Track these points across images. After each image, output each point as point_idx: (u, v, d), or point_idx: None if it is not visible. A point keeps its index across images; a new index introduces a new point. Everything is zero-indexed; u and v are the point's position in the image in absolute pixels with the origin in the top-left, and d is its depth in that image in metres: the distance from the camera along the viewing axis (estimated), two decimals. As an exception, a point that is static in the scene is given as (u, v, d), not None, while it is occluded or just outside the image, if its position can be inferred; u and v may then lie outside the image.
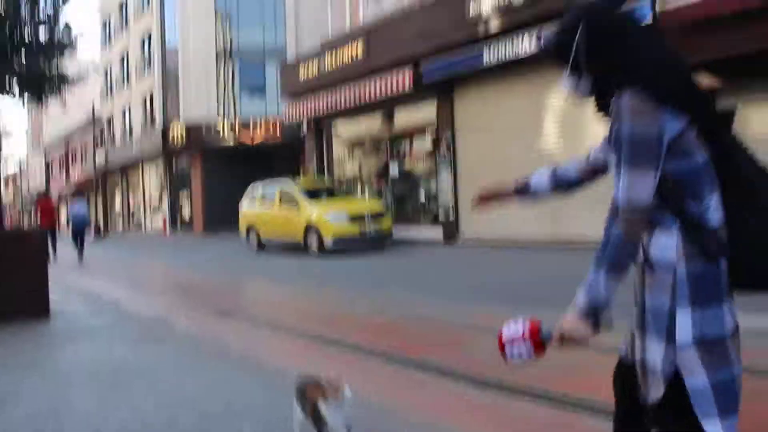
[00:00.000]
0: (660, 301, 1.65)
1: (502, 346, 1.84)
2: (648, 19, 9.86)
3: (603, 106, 1.74)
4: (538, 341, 1.79)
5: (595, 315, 1.66)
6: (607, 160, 1.87)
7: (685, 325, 1.61)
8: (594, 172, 2.04)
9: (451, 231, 14.89)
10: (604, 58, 1.69)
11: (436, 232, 15.29)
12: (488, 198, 2.25)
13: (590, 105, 1.80)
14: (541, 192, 2.11)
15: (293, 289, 9.48)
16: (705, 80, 1.69)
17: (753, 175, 1.64)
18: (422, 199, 16.64)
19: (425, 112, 16.00)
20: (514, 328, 1.82)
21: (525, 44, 11.88)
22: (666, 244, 1.63)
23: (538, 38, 11.47)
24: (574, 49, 1.70)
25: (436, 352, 4.77)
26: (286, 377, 3.48)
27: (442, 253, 13.70)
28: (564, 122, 12.48)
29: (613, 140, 1.64)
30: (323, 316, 6.96)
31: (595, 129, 11.73)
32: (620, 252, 1.60)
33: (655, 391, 1.68)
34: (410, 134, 16.85)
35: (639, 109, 1.58)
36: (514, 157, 13.35)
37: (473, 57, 13.05)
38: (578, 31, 1.70)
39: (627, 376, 1.81)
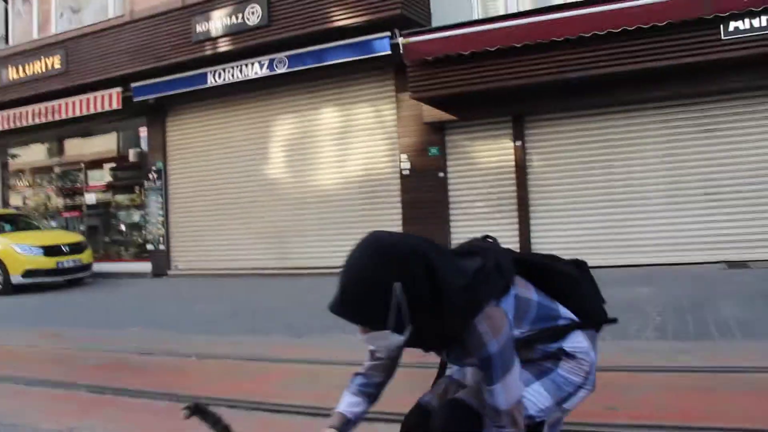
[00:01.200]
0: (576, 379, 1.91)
1: None
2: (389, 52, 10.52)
3: (430, 345, 1.84)
4: None
5: None
6: (396, 353, 1.98)
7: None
8: (395, 361, 2.03)
9: (162, 263, 14.04)
10: (427, 304, 1.67)
11: (144, 265, 14.28)
12: None
13: None
14: (361, 416, 2.00)
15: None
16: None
17: (568, 269, 2.01)
18: (129, 229, 15.39)
19: (130, 135, 14.93)
20: None
21: (254, 68, 11.80)
22: (578, 340, 1.92)
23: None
24: (391, 311, 1.64)
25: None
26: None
27: (153, 285, 12.82)
28: (291, 149, 12.66)
29: (480, 361, 1.72)
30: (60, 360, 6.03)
31: (325, 155, 12.18)
32: None
33: None
34: (113, 159, 15.48)
35: (497, 324, 1.71)
36: (233, 184, 13.19)
37: (194, 78, 12.53)
38: (393, 293, 1.63)
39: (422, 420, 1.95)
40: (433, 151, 11.13)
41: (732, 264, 9.05)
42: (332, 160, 12.19)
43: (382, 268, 1.62)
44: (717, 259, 9.25)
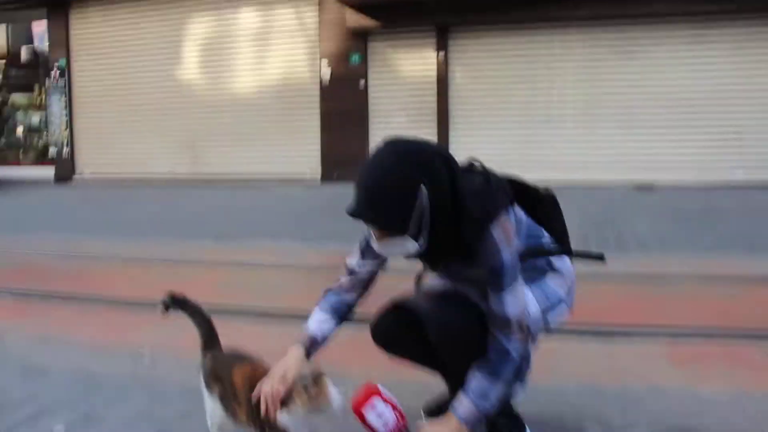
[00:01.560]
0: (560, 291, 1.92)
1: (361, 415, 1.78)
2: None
3: (436, 256, 1.78)
4: None
5: (477, 426, 1.74)
6: (377, 269, 1.92)
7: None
8: (369, 284, 1.94)
9: (66, 168, 13.24)
10: (448, 210, 1.64)
11: (46, 170, 13.42)
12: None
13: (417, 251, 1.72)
14: (331, 335, 1.89)
15: None
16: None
17: (550, 194, 2.02)
18: (28, 132, 14.34)
19: (23, 30, 13.74)
20: (385, 418, 1.78)
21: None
22: (563, 259, 1.95)
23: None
24: (415, 214, 1.60)
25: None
26: None
27: (58, 191, 12.07)
28: (206, 51, 11.97)
29: (490, 269, 1.69)
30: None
31: (243, 59, 11.58)
32: (516, 369, 1.75)
33: None
34: (3, 57, 14.23)
35: (509, 234, 1.70)
36: (144, 85, 12.42)
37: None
38: (419, 196, 1.59)
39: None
40: (355, 58, 10.77)
41: (639, 185, 9.30)
42: (249, 64, 11.64)
43: (410, 170, 1.59)
44: (626, 179, 9.49)
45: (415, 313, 1.89)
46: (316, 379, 1.66)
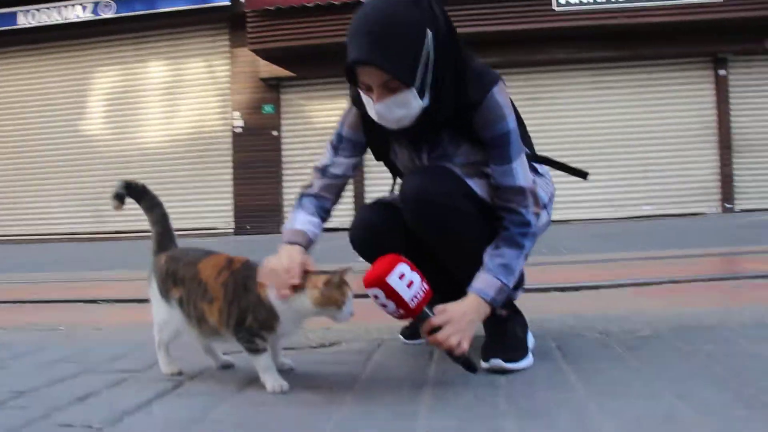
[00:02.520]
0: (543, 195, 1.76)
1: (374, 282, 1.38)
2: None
3: (431, 126, 1.57)
4: (416, 309, 1.41)
5: (500, 302, 1.54)
6: (351, 170, 1.73)
7: None
8: (342, 188, 1.75)
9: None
10: (451, 64, 1.52)
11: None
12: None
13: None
14: (317, 239, 1.65)
15: None
16: None
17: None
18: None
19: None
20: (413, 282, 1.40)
21: (75, 11, 10.68)
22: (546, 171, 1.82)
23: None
24: (421, 62, 1.45)
25: None
26: None
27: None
28: (114, 104, 11.61)
29: (495, 138, 1.55)
30: None
31: (152, 111, 11.29)
32: (534, 238, 1.61)
33: None
34: None
35: (510, 101, 1.58)
36: (47, 140, 11.89)
37: (1, 18, 11.15)
38: (425, 41, 1.45)
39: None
40: (268, 108, 10.66)
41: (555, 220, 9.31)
42: (159, 117, 11.35)
43: (415, 13, 1.44)
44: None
45: (396, 205, 1.64)
46: (343, 274, 1.40)
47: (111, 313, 2.93)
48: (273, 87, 10.66)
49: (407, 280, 1.38)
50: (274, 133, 10.64)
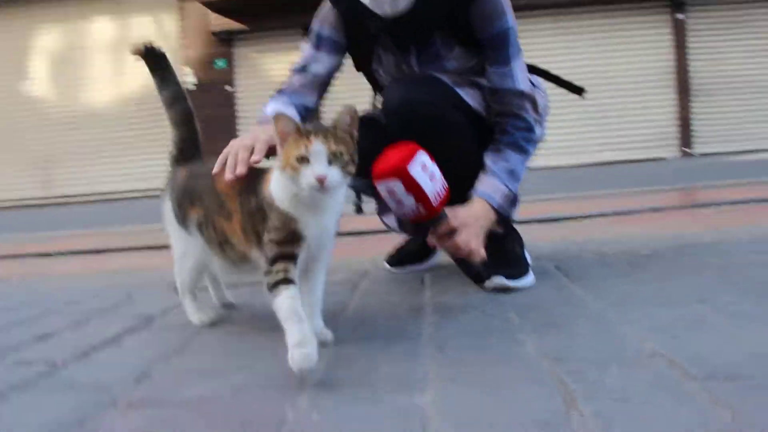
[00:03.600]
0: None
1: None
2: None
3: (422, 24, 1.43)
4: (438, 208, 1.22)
5: (505, 208, 1.43)
6: (335, 66, 1.55)
7: None
8: (326, 85, 1.57)
9: None
10: None
11: None
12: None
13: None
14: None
15: None
16: None
17: None
18: None
19: None
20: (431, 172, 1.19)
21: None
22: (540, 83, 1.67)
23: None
24: None
25: None
26: None
27: None
28: (59, 65, 10.99)
29: (494, 37, 1.42)
30: None
31: (99, 71, 10.78)
32: (536, 146, 1.51)
33: None
34: None
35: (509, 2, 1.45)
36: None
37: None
38: None
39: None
40: (220, 63, 10.26)
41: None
42: (107, 77, 10.81)
43: None
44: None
45: (379, 120, 1.47)
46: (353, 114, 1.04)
47: (65, 264, 2.74)
48: (225, 41, 10.26)
49: (429, 172, 1.19)
50: (228, 88, 10.27)
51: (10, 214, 10.04)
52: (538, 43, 9.85)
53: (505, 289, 1.41)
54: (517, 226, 1.61)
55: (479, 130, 1.47)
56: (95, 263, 2.48)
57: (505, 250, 1.48)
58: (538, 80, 1.66)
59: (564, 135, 9.64)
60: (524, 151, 1.45)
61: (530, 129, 1.46)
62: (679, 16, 9.81)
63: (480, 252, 1.31)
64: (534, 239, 2.15)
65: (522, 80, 1.46)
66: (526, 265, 1.50)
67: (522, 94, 1.45)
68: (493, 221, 1.40)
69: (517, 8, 1.49)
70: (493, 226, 1.41)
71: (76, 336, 1.29)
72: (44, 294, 1.81)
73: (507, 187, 1.41)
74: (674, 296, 1.26)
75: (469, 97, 1.47)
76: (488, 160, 1.43)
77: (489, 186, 1.40)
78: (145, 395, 0.92)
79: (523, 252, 1.54)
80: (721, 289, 1.28)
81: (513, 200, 1.49)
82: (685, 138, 9.90)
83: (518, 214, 1.60)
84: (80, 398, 0.92)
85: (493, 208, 1.38)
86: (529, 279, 1.47)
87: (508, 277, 1.42)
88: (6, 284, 2.11)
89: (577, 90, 1.76)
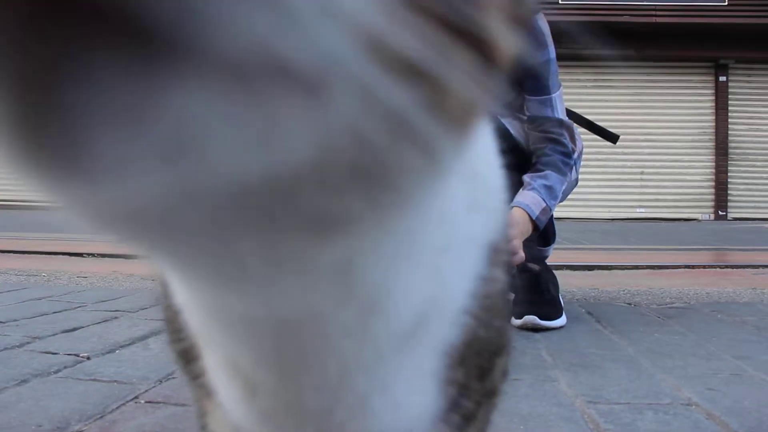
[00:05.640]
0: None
1: None
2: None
3: None
4: None
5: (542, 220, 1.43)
6: None
7: None
8: None
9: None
10: None
11: None
12: None
13: None
14: None
15: None
16: None
17: None
18: None
19: None
20: None
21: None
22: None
23: None
24: None
25: None
26: None
27: None
28: None
29: (533, 69, 1.43)
30: None
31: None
32: (572, 173, 1.53)
33: None
34: None
35: (551, 36, 1.48)
36: None
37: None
38: None
39: None
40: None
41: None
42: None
43: None
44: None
45: None
46: None
47: (95, 266, 2.76)
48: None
49: None
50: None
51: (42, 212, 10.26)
52: (579, 94, 9.88)
53: (537, 329, 1.39)
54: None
55: (518, 158, 1.48)
56: (126, 267, 2.50)
57: (540, 290, 1.46)
58: (574, 125, 1.67)
59: (599, 189, 9.59)
60: (563, 173, 1.46)
61: (569, 154, 1.47)
62: (722, 78, 9.77)
63: (520, 254, 1.29)
64: (565, 285, 2.13)
65: (561, 111, 1.48)
66: (560, 307, 1.47)
67: (561, 123, 1.47)
68: (530, 232, 1.39)
69: (561, 57, 1.50)
70: (528, 263, 1.40)
71: (103, 332, 1.30)
72: (73, 291, 1.82)
73: (545, 201, 1.41)
74: (710, 350, 1.22)
75: (511, 126, 1.48)
76: (527, 177, 1.44)
77: (528, 198, 1.40)
78: (166, 394, 0.91)
79: (558, 294, 1.52)
80: (759, 348, 1.24)
81: (546, 244, 1.50)
82: (720, 200, 9.76)
83: (551, 256, 1.59)
84: (102, 390, 0.92)
85: (531, 219, 1.37)
86: (561, 320, 1.44)
87: (542, 317, 1.40)
88: (36, 279, 2.14)
89: (612, 137, 1.75)
